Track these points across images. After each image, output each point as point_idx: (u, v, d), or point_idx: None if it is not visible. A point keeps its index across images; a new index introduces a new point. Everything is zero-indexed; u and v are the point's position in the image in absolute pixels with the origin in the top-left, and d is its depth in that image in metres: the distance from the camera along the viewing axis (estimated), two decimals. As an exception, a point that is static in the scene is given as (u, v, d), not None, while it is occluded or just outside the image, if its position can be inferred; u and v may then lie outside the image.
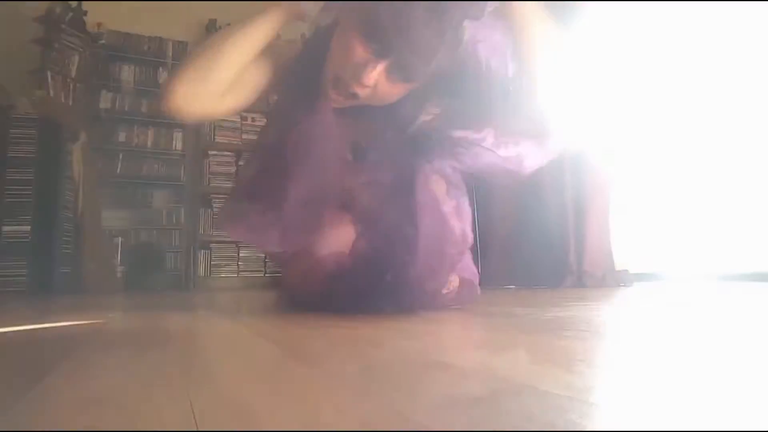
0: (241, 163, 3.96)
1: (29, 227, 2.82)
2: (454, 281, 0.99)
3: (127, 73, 3.87)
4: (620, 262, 2.60)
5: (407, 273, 0.87)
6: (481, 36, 0.90)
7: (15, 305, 1.73)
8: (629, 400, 0.33)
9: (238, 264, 3.92)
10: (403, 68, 0.85)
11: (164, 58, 3.96)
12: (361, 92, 0.88)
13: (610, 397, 0.34)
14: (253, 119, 4.07)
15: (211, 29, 4.06)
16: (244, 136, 4.05)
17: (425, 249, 0.87)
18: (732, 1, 2.38)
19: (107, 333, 0.84)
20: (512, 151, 0.95)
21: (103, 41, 3.76)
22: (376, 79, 0.85)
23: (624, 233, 2.69)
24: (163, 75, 3.93)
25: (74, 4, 3.50)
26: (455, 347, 0.59)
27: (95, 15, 3.67)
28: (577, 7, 2.52)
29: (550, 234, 2.67)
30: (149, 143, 3.86)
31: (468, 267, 1.10)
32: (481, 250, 2.99)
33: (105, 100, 3.76)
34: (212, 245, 3.88)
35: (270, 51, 0.97)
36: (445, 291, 0.97)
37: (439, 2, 0.79)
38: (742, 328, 0.75)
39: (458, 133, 0.95)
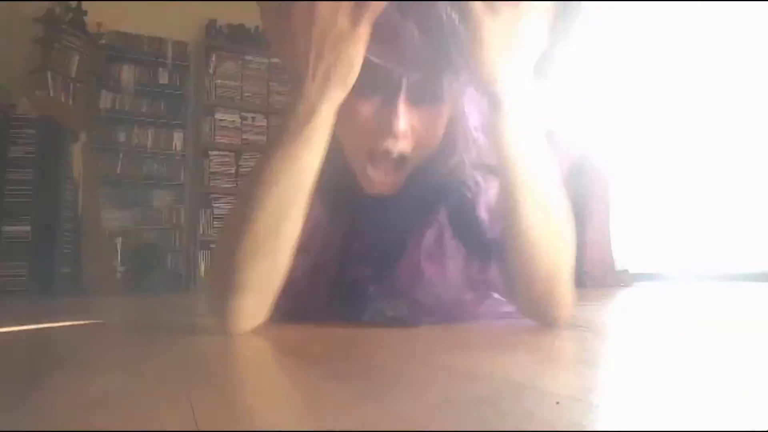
0: (241, 163, 3.95)
1: (29, 227, 2.81)
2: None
3: (127, 73, 3.86)
4: (620, 262, 2.60)
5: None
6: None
7: (15, 305, 1.73)
8: (630, 401, 0.33)
9: (237, 264, 3.91)
10: (421, 87, 0.68)
11: (164, 58, 3.95)
12: (402, 144, 0.69)
13: (611, 398, 0.34)
14: (253, 119, 4.06)
15: (211, 29, 4.06)
16: (244, 136, 4.03)
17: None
18: (733, 1, 2.37)
19: (107, 333, 0.84)
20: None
21: (103, 41, 3.76)
22: (407, 117, 0.67)
23: (624, 233, 2.69)
24: (163, 75, 3.92)
25: (74, 4, 3.50)
26: (455, 347, 0.59)
27: (95, 15, 3.66)
28: (578, 6, 2.52)
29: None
30: (149, 143, 3.85)
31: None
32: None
33: (105, 100, 3.75)
34: (212, 245, 3.87)
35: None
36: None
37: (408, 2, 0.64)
38: (742, 328, 0.75)
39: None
